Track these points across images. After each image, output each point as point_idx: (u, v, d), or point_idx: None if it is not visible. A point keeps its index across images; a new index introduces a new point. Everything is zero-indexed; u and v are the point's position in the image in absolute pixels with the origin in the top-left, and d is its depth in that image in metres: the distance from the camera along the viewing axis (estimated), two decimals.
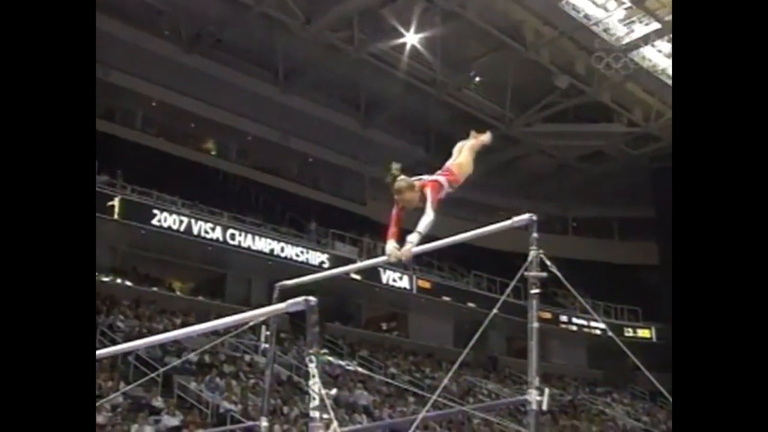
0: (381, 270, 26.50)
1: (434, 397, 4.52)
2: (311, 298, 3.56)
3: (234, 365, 20.59)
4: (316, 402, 3.43)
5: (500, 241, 26.21)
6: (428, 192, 5.74)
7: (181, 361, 15.91)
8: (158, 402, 16.62)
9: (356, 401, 20.54)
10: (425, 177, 5.94)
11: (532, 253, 4.49)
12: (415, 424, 4.17)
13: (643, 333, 33.85)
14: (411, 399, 22.03)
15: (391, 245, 5.61)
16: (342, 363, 5.87)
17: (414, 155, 32.99)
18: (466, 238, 5.51)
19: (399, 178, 5.78)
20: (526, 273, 4.46)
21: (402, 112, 30.84)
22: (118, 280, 23.39)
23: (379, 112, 30.88)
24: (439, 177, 6.01)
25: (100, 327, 19.31)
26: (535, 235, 4.59)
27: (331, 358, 4.94)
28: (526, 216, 4.73)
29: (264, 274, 23.95)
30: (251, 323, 5.65)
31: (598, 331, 31.92)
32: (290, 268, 20.91)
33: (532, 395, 4.11)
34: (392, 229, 5.78)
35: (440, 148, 33.06)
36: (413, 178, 5.84)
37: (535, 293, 4.38)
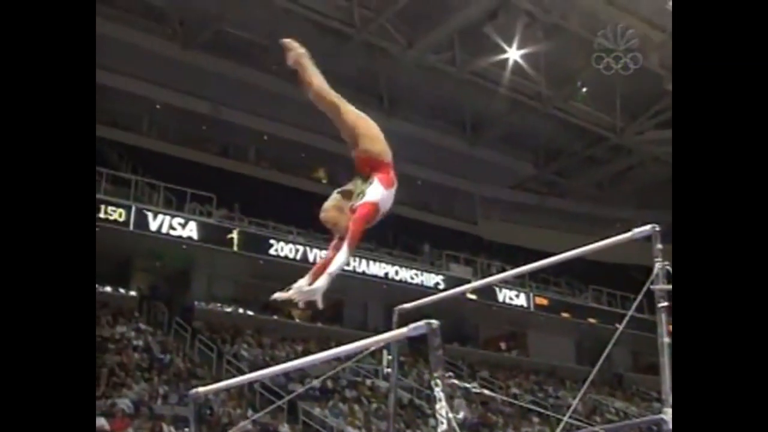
0: (497, 289, 26.23)
1: (565, 419, 4.32)
2: (433, 321, 3.52)
3: (356, 390, 20.74)
4: (444, 426, 3.38)
5: (617, 254, 25.56)
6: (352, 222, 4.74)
7: (306, 388, 16.11)
8: (285, 428, 16.90)
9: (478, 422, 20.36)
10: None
11: (658, 266, 4.30)
12: None
13: None
14: (535, 419, 21.64)
15: (302, 281, 4.93)
16: (467, 386, 5.69)
17: (523, 171, 32.71)
18: (584, 252, 5.25)
19: (332, 197, 4.92)
20: (652, 287, 4.27)
21: (508, 128, 30.54)
22: (240, 310, 24.02)
23: (485, 130, 30.72)
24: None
25: (226, 356, 19.84)
26: (659, 246, 4.40)
27: (456, 381, 4.78)
28: (648, 227, 4.54)
29: (380, 297, 24.15)
30: (373, 348, 5.66)
31: None
32: (405, 291, 20.98)
33: (668, 413, 3.92)
34: (316, 266, 4.98)
35: (549, 162, 32.70)
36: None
37: (664, 306, 4.19)
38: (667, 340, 4.12)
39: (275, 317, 24.61)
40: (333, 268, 4.61)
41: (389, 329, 5.15)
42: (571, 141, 31.25)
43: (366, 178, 4.93)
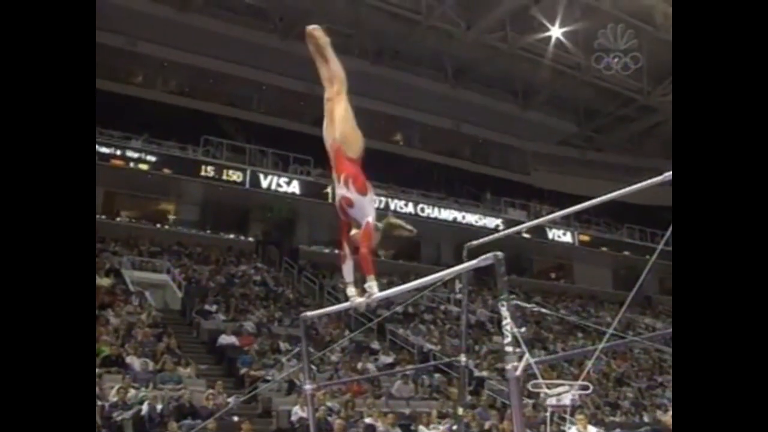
0: (547, 228, 25.97)
1: (609, 331, 4.31)
2: (499, 253, 3.56)
3: (432, 314, 20.92)
4: (509, 339, 3.43)
5: (647, 196, 24.88)
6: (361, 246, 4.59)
7: (391, 313, 16.34)
8: (375, 345, 17.21)
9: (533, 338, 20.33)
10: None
11: None
12: (595, 355, 3.98)
13: None
14: (580, 335, 21.49)
15: (352, 291, 4.83)
16: (528, 305, 5.65)
17: (567, 130, 32.00)
18: (619, 195, 5.11)
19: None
20: None
21: (553, 94, 29.87)
22: (336, 251, 24.32)
23: (534, 96, 30.07)
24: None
25: (326, 288, 20.23)
26: None
27: (519, 302, 4.77)
28: (670, 173, 4.41)
29: (450, 238, 24.18)
30: (447, 278, 5.71)
31: None
32: (471, 232, 20.85)
33: None
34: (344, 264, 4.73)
35: (588, 121, 31.87)
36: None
37: None
38: None
39: None
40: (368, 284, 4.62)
41: (459, 263, 5.20)
42: (606, 103, 30.33)
43: (338, 178, 4.69)
